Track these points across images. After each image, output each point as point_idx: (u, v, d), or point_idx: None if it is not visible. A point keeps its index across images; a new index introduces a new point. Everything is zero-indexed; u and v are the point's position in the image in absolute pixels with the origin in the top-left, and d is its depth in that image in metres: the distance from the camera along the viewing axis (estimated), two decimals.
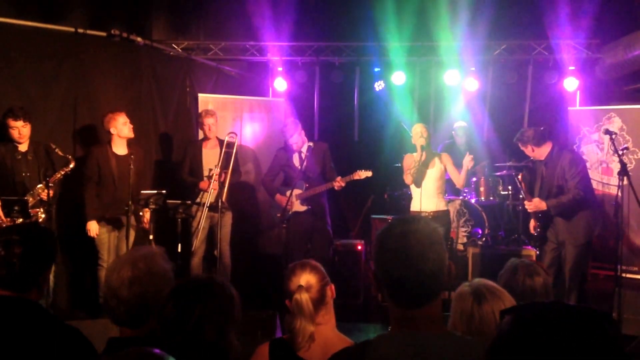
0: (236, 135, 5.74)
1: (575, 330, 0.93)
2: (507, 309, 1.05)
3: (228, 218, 5.80)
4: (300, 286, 2.17)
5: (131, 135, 5.39)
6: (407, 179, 5.48)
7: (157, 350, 1.24)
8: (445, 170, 5.54)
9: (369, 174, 5.49)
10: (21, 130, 4.89)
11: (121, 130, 5.31)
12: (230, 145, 5.56)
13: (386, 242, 1.50)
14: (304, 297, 2.15)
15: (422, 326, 1.47)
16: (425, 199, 5.42)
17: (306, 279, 2.19)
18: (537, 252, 5.56)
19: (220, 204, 5.38)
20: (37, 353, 1.89)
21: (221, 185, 5.48)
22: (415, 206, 5.51)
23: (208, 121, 5.78)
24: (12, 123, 4.86)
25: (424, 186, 5.45)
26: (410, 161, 5.52)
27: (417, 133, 5.42)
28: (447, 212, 5.63)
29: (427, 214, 5.37)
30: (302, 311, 2.14)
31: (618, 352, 0.93)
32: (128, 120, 5.35)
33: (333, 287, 2.30)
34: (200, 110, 6.15)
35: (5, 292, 2.01)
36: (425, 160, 5.40)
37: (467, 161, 5.35)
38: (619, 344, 0.93)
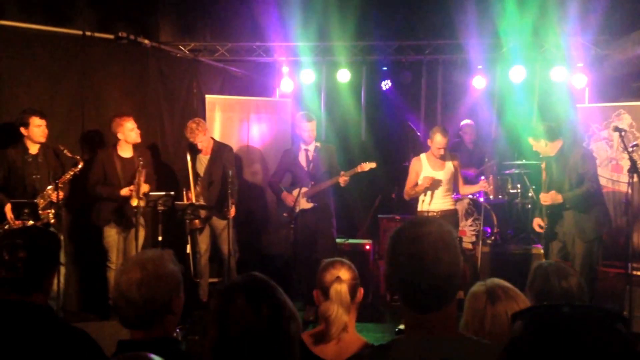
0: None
1: (587, 332, 0.92)
2: (517, 312, 1.04)
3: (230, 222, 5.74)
4: (338, 277, 2.26)
5: (138, 140, 5.42)
6: (406, 195, 5.53)
7: (151, 355, 1.26)
8: (454, 171, 5.56)
9: (373, 165, 5.48)
10: (44, 130, 5.00)
11: (128, 136, 5.34)
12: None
13: (399, 246, 1.47)
14: (344, 288, 2.24)
15: (437, 330, 1.44)
16: (433, 200, 5.46)
17: (344, 273, 2.30)
18: (542, 251, 5.51)
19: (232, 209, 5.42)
20: (43, 356, 1.89)
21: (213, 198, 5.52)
22: (422, 206, 5.52)
23: (197, 140, 5.60)
24: (37, 121, 4.95)
25: (431, 189, 5.48)
26: (417, 166, 5.53)
27: (438, 143, 5.38)
28: (454, 211, 5.65)
29: (434, 213, 5.39)
30: (341, 300, 2.22)
31: (631, 351, 0.91)
32: (136, 126, 5.38)
33: (362, 291, 2.36)
34: (187, 128, 5.69)
35: (11, 296, 2.01)
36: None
37: (481, 185, 5.56)
38: (631, 343, 0.92)
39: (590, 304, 1.01)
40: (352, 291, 2.28)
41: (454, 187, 5.88)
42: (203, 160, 5.76)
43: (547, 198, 4.94)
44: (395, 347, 1.47)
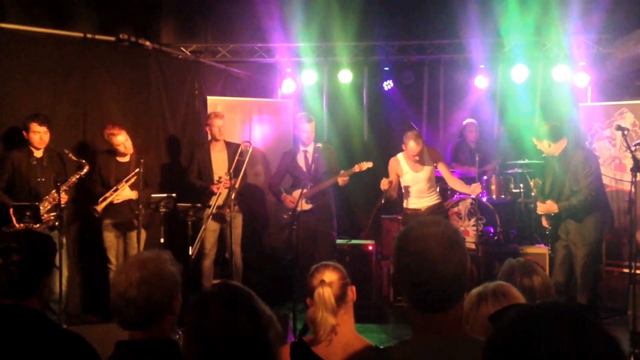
0: (250, 144, 5.61)
1: (560, 323, 0.92)
2: (494, 313, 1.05)
3: (238, 220, 5.82)
4: (322, 280, 2.24)
5: (129, 151, 5.40)
6: (389, 196, 5.51)
7: None
8: (436, 167, 5.58)
9: (370, 164, 5.50)
10: (42, 136, 5.01)
11: (117, 148, 5.35)
12: (243, 153, 5.51)
13: (406, 246, 1.45)
14: (326, 291, 2.22)
15: (445, 331, 1.43)
16: (418, 198, 5.52)
17: (328, 276, 2.28)
18: (549, 250, 5.50)
19: (227, 210, 5.41)
20: None
21: (229, 192, 5.50)
22: (408, 204, 5.56)
23: (217, 123, 5.77)
24: (36, 127, 4.96)
25: (415, 188, 5.51)
26: (396, 167, 5.53)
27: (412, 150, 5.34)
28: (441, 204, 5.72)
29: (422, 210, 5.46)
30: (324, 304, 2.20)
31: (608, 338, 0.91)
32: (127, 138, 5.35)
33: (354, 289, 2.34)
34: (208, 112, 6.17)
35: (6, 300, 1.99)
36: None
37: (472, 188, 5.51)
38: (606, 329, 0.93)
39: (556, 300, 1.01)
40: (341, 292, 2.26)
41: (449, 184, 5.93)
42: (219, 157, 5.81)
43: (542, 209, 5.02)
44: (403, 349, 1.46)
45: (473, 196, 6.18)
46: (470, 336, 1.51)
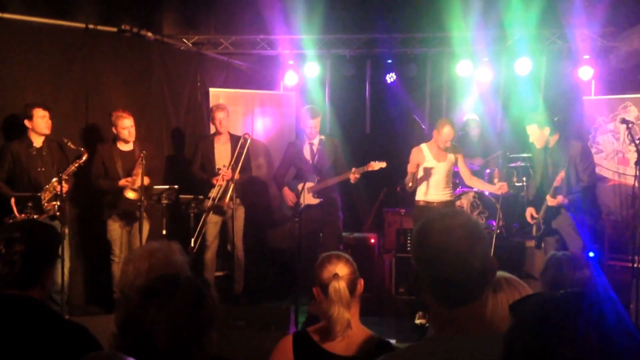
0: (249, 135, 5.72)
1: (580, 313, 0.91)
2: (514, 302, 1.03)
3: (240, 212, 5.82)
4: (336, 274, 2.20)
5: (132, 138, 5.38)
6: (408, 185, 5.46)
7: (130, 358, 1.29)
8: (455, 162, 5.53)
9: (383, 164, 5.46)
10: (48, 120, 5.02)
11: (120, 132, 5.34)
12: (242, 145, 5.55)
13: (429, 238, 1.40)
14: (342, 285, 2.18)
15: (470, 327, 1.38)
16: (434, 190, 5.46)
17: (341, 268, 2.24)
18: (535, 244, 5.47)
19: (227, 203, 5.41)
20: (40, 351, 1.86)
21: (227, 184, 5.50)
22: (421, 196, 5.50)
23: (219, 115, 5.78)
24: (41, 112, 4.99)
25: (434, 179, 5.45)
26: (419, 157, 5.47)
27: (447, 135, 5.31)
28: (452, 202, 5.69)
29: (434, 204, 5.40)
30: (340, 298, 2.17)
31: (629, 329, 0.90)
32: (132, 125, 5.34)
33: (362, 282, 2.32)
34: (211, 105, 6.17)
35: (8, 291, 1.97)
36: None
37: (498, 187, 5.48)
38: (629, 321, 0.91)
39: (580, 289, 0.98)
40: (352, 285, 2.23)
41: (460, 181, 5.87)
42: (223, 149, 5.81)
43: (554, 202, 4.98)
44: (426, 347, 1.42)
45: (499, 194, 6.13)
46: (494, 332, 1.47)
